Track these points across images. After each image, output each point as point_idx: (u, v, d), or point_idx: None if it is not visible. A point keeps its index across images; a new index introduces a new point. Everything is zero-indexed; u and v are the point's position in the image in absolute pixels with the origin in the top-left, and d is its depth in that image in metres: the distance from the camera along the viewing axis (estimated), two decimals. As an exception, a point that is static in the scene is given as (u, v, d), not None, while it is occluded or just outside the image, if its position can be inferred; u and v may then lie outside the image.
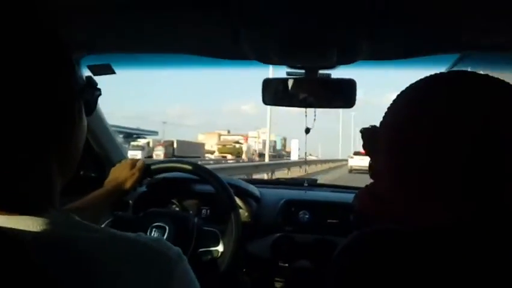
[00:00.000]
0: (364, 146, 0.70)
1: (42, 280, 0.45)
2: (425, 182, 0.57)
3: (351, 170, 27.37)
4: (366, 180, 0.75)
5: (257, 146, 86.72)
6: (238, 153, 70.51)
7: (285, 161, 32.57)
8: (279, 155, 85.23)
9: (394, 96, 0.65)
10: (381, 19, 1.01)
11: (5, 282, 0.41)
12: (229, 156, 62.31)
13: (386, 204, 0.64)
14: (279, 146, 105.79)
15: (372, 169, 0.69)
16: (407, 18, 1.01)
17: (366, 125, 0.71)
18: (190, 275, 0.62)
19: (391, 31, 1.10)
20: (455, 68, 1.44)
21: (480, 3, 0.91)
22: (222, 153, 72.10)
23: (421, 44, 1.18)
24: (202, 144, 45.66)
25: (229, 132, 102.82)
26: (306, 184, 1.99)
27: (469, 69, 0.61)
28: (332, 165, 36.42)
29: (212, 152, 70.33)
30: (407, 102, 0.62)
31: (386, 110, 0.65)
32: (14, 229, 0.49)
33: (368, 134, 0.69)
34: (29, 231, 0.51)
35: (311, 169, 26.07)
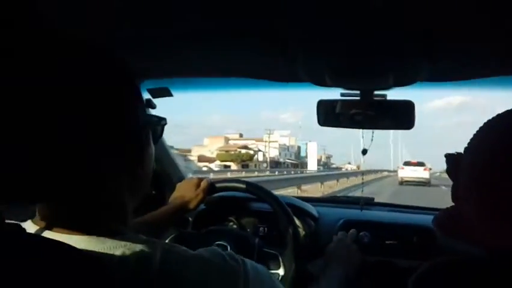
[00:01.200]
0: (447, 170, 0.73)
1: None
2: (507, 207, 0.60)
3: (402, 182, 25.67)
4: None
5: (271, 152, 70.80)
6: (243, 161, 57.92)
7: (290, 175, 24.72)
8: (302, 164, 73.30)
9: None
10: (439, 40, 0.98)
11: None
12: (233, 166, 52.45)
13: (464, 226, 0.67)
14: (303, 153, 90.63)
15: (454, 192, 0.72)
16: (467, 37, 0.96)
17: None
18: (260, 278, 0.67)
19: (449, 52, 1.05)
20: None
21: None
22: (222, 160, 59.19)
23: (483, 65, 1.12)
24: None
25: (241, 136, 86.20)
26: (362, 203, 1.94)
27: None
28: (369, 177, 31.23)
29: (212, 160, 57.81)
30: (497, 132, 0.65)
31: (473, 136, 0.68)
32: (96, 252, 0.54)
33: (452, 159, 0.72)
34: (111, 254, 0.55)
35: (341, 184, 22.08)
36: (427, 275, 0.67)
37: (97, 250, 0.54)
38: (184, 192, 1.43)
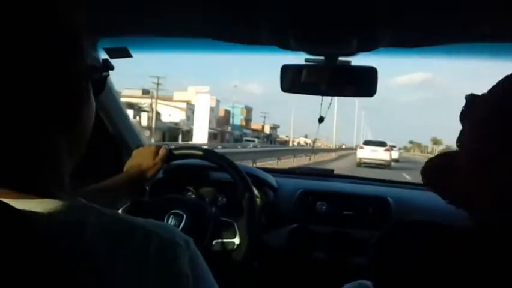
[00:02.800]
0: (461, 112, 0.64)
1: (51, 264, 0.45)
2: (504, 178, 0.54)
3: (360, 163, 23.60)
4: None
5: (176, 116, 48.40)
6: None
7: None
8: (223, 134, 57.95)
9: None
10: (402, 4, 0.97)
11: (16, 264, 0.42)
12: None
13: (453, 178, 0.62)
14: (236, 120, 72.78)
15: (459, 136, 0.64)
16: (430, 2, 0.96)
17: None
18: (199, 262, 0.60)
19: (414, 17, 1.05)
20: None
21: None
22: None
23: (445, 31, 1.13)
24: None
25: (146, 92, 52.06)
26: (323, 174, 1.96)
27: None
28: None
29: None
30: None
31: (495, 84, 0.60)
32: (26, 211, 0.49)
33: (471, 99, 0.63)
34: (41, 214, 0.50)
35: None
36: (389, 235, 0.65)
37: (28, 210, 0.49)
38: (141, 160, 1.37)
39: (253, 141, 55.71)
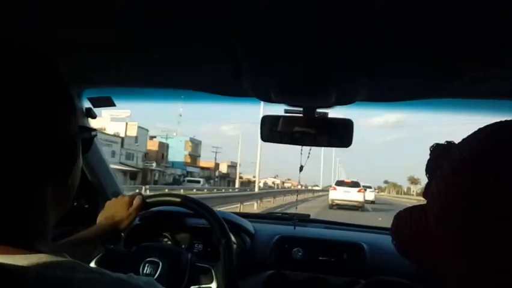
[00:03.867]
0: (429, 162, 0.59)
1: None
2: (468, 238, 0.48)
3: (332, 205, 22.47)
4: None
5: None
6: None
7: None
8: (162, 178, 49.70)
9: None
10: (378, 64, 1.04)
11: None
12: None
13: (422, 234, 0.55)
14: (178, 157, 60.01)
15: (426, 189, 0.58)
16: (408, 59, 1.02)
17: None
18: None
19: (387, 76, 1.12)
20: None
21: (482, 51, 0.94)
22: None
23: (422, 87, 1.21)
24: None
25: None
26: (297, 220, 1.98)
27: None
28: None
29: None
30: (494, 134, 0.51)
31: (466, 138, 0.54)
32: (13, 266, 0.49)
33: (440, 149, 0.58)
34: (28, 269, 0.50)
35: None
36: None
37: (7, 262, 0.49)
38: (114, 211, 1.36)
39: (198, 182, 49.49)
